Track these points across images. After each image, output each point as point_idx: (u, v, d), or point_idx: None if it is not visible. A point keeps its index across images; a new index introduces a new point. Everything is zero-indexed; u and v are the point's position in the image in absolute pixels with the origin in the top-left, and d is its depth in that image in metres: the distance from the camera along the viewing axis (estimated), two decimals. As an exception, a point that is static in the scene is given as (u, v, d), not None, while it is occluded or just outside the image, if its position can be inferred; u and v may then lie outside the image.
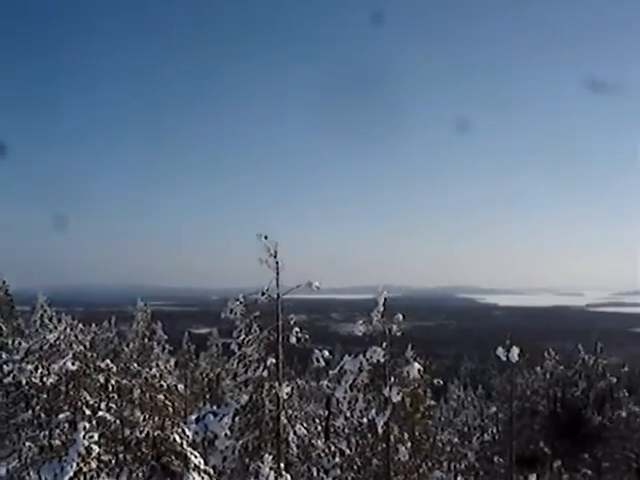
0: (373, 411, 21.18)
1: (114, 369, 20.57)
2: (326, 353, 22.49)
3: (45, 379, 19.58)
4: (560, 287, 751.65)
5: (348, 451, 24.00)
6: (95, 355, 21.45)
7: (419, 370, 22.08)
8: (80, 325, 48.20)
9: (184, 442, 21.59)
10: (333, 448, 25.35)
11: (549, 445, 32.00)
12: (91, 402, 19.86)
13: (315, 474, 25.74)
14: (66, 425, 19.96)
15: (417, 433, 23.32)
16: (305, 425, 26.56)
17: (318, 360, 22.10)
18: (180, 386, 29.99)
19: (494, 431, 32.14)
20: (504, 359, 25.40)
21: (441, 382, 24.08)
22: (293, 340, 21.59)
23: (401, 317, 21.90)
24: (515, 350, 25.08)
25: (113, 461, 19.88)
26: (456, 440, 35.77)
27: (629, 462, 49.06)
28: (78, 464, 17.40)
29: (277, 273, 21.10)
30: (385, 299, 22.00)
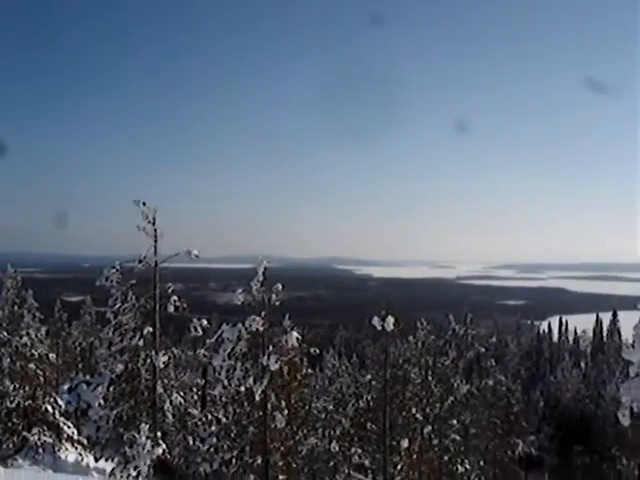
0: (251, 379, 21.19)
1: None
2: (204, 322, 22.30)
3: None
4: (434, 260, 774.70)
5: (225, 419, 23.98)
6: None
7: (297, 339, 22.22)
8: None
9: (56, 412, 21.00)
10: (210, 417, 25.30)
11: (421, 412, 33.04)
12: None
13: (191, 443, 25.63)
14: None
15: (293, 401, 23.53)
16: (182, 394, 26.32)
17: (196, 329, 21.87)
18: (52, 355, 29.11)
19: (368, 398, 32.83)
20: (379, 328, 25.90)
21: (317, 351, 24.32)
22: (170, 309, 21.30)
23: (280, 287, 21.95)
24: (390, 320, 25.62)
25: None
26: (331, 407, 36.36)
27: (495, 428, 51.45)
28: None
29: (155, 241, 20.71)
30: (265, 268, 21.99)
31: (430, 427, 33.68)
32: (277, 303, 21.80)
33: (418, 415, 32.11)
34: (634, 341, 19.19)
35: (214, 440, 23.70)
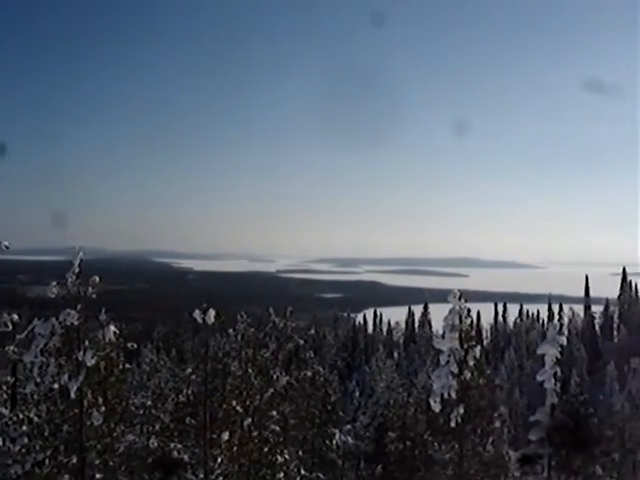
0: (66, 376, 20.35)
1: None
2: (14, 317, 21.16)
3: None
4: (254, 253, 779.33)
5: (37, 418, 22.87)
6: None
7: (114, 333, 21.62)
8: None
9: None
10: (21, 416, 24.01)
11: (241, 404, 33.10)
12: None
13: (1, 443, 24.26)
14: None
15: (111, 397, 22.84)
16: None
17: (6, 325, 20.71)
18: None
19: (188, 393, 32.46)
20: (200, 322, 25.73)
21: (135, 346, 23.76)
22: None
23: (97, 279, 21.26)
24: (211, 313, 25.51)
25: None
26: (149, 403, 35.61)
27: (313, 418, 52.56)
28: None
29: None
30: (81, 260, 21.19)
31: (250, 419, 33.83)
32: (94, 296, 21.09)
33: (238, 408, 32.14)
34: (444, 332, 20.27)
35: (25, 440, 22.55)
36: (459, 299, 21.00)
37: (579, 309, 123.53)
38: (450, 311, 20.75)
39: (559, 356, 17.23)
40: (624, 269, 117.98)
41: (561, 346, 17.35)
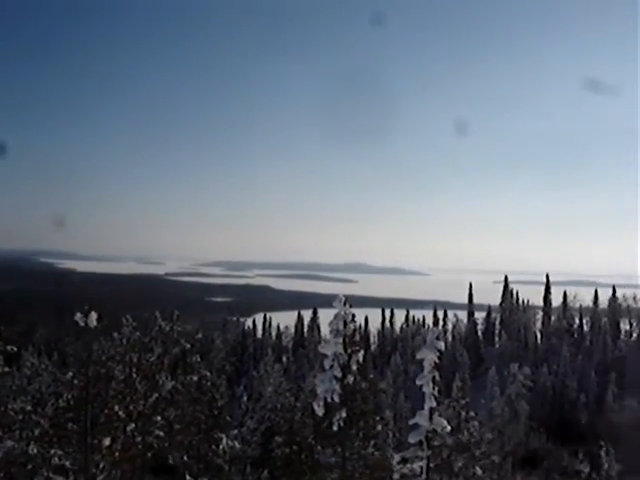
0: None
1: None
2: None
3: None
4: (143, 255, 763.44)
5: None
6: None
7: (-8, 336, 20.84)
8: None
9: None
10: None
11: (124, 409, 32.53)
12: None
13: None
14: None
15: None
16: None
17: None
18: None
19: (69, 397, 31.63)
20: (82, 325, 25.11)
21: (15, 349, 22.94)
22: None
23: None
24: (94, 316, 24.94)
25: None
26: (29, 408, 34.53)
27: (200, 423, 52.02)
28: None
29: None
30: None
31: (133, 424, 33.28)
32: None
33: (121, 413, 31.55)
34: (329, 336, 20.56)
35: None
36: (344, 304, 21.33)
37: (463, 315, 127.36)
38: (335, 316, 21.05)
39: (437, 361, 17.76)
40: (506, 277, 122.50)
41: (439, 351, 17.89)
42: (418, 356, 17.89)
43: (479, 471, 37.83)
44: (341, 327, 20.78)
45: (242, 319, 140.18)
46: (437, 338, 17.84)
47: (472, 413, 41.35)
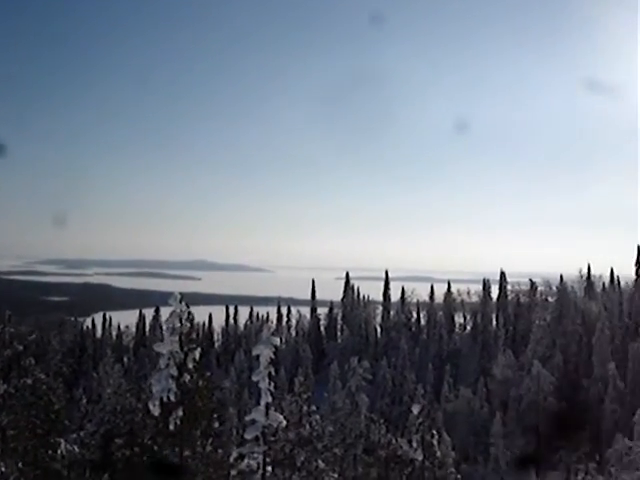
0: None
1: None
2: None
3: None
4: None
5: None
6: None
7: None
8: None
9: None
10: None
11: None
12: None
13: None
14: None
15: None
16: None
17: None
18: None
19: None
20: None
21: None
22: None
23: None
24: None
25: None
26: None
27: (35, 428, 49.69)
28: None
29: None
30: None
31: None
32: None
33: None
34: (164, 335, 20.15)
35: None
36: (180, 302, 20.98)
37: (306, 311, 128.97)
38: (171, 314, 20.66)
39: (273, 356, 17.79)
40: (347, 274, 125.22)
41: (275, 347, 17.94)
42: (254, 352, 17.90)
43: (321, 464, 38.36)
44: (177, 325, 20.43)
45: (80, 319, 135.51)
46: (273, 334, 17.90)
47: (314, 407, 41.88)
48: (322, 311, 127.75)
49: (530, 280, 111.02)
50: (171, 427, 21.16)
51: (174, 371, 19.97)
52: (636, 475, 45.38)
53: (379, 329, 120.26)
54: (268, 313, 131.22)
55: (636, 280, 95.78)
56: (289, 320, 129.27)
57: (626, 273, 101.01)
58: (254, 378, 17.32)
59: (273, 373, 17.27)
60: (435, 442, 41.37)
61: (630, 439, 55.54)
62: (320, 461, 38.27)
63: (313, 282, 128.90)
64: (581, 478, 50.05)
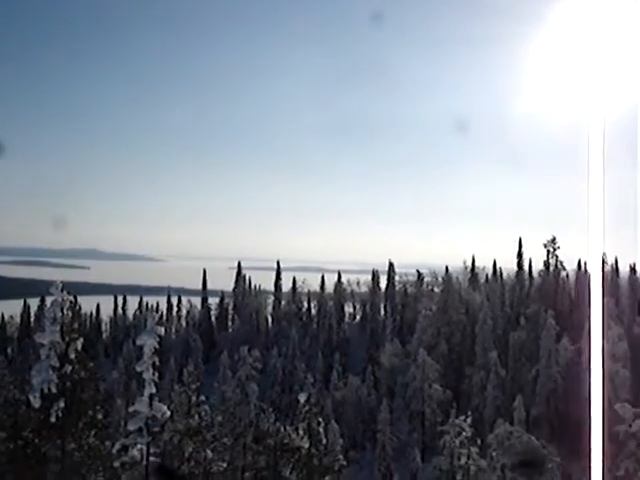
0: None
1: None
2: None
3: None
4: None
5: None
6: None
7: None
8: None
9: None
10: None
11: None
12: None
13: None
14: None
15: None
16: None
17: None
18: None
19: None
20: None
21: None
22: None
23: None
24: None
25: None
26: None
27: None
28: None
29: None
30: None
31: None
32: None
33: None
34: (45, 324, 19.66)
35: None
36: (61, 291, 20.50)
37: (197, 301, 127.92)
38: (52, 303, 20.17)
39: (157, 346, 17.66)
40: (239, 263, 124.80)
41: (160, 337, 17.82)
42: (138, 342, 17.72)
43: (210, 454, 38.34)
44: (59, 314, 19.95)
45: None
46: (159, 324, 17.76)
47: (203, 397, 41.77)
48: (213, 301, 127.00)
49: (417, 271, 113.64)
50: (52, 419, 20.69)
51: (55, 362, 19.52)
52: (516, 459, 47.31)
53: (270, 319, 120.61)
54: (158, 303, 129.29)
55: (517, 272, 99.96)
56: (179, 310, 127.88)
57: (508, 265, 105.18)
58: (138, 368, 17.14)
59: (158, 363, 17.15)
60: (322, 430, 41.96)
61: (511, 424, 57.97)
62: (209, 451, 38.26)
63: (204, 272, 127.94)
64: (464, 462, 51.72)
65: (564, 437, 61.06)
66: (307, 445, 39.39)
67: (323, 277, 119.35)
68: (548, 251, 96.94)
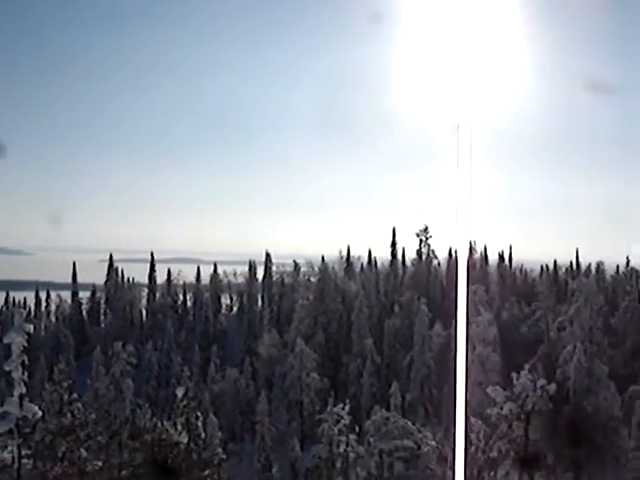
0: None
1: None
2: None
3: None
4: None
5: None
6: None
7: None
8: None
9: None
10: None
11: None
12: None
13: None
14: None
15: None
16: None
17: None
18: None
19: None
20: None
21: None
22: None
23: None
24: None
25: None
26: None
27: None
28: None
29: None
30: None
31: None
32: None
33: None
34: None
35: None
36: None
37: (67, 295, 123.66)
38: None
39: (26, 344, 16.68)
40: (111, 256, 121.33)
41: (28, 334, 16.85)
42: (5, 340, 16.67)
43: (84, 453, 37.10)
44: None
45: None
46: (27, 321, 16.78)
47: (76, 395, 40.39)
48: (85, 295, 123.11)
49: (294, 261, 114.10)
50: None
51: None
52: (393, 444, 48.27)
53: (144, 312, 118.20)
54: (25, 298, 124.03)
55: (391, 261, 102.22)
56: (48, 305, 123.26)
57: (382, 254, 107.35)
58: (6, 368, 16.11)
59: (27, 362, 16.18)
60: (200, 424, 41.40)
61: (387, 410, 59.14)
62: (83, 450, 37.00)
63: (74, 265, 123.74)
64: (343, 450, 52.34)
65: (439, 421, 63.00)
66: (186, 440, 38.74)
67: (199, 268, 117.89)
68: (420, 240, 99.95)
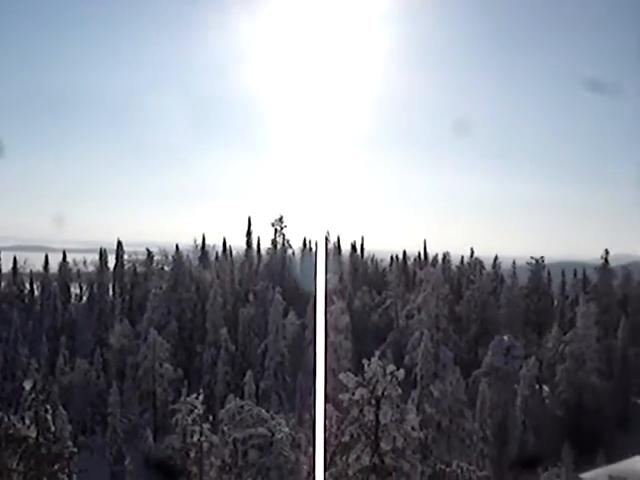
0: None
1: None
2: None
3: None
4: None
5: None
6: None
7: None
8: None
9: None
10: None
11: None
12: None
13: None
14: None
15: None
16: None
17: None
18: None
19: None
20: None
21: None
22: None
23: None
24: None
25: None
26: None
27: None
28: None
29: None
30: None
31: None
32: None
33: None
34: None
35: None
36: None
37: None
38: None
39: None
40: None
41: None
42: None
43: None
44: None
45: None
46: None
47: None
48: None
49: (147, 250, 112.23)
50: None
51: None
52: (247, 432, 48.73)
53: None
54: None
55: (246, 250, 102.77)
56: None
57: (237, 244, 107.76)
58: None
59: None
60: (50, 417, 40.34)
61: (241, 399, 59.59)
62: None
63: None
64: (196, 439, 52.39)
65: (291, 408, 64.20)
66: (34, 434, 37.65)
67: (47, 256, 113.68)
68: (275, 230, 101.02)
